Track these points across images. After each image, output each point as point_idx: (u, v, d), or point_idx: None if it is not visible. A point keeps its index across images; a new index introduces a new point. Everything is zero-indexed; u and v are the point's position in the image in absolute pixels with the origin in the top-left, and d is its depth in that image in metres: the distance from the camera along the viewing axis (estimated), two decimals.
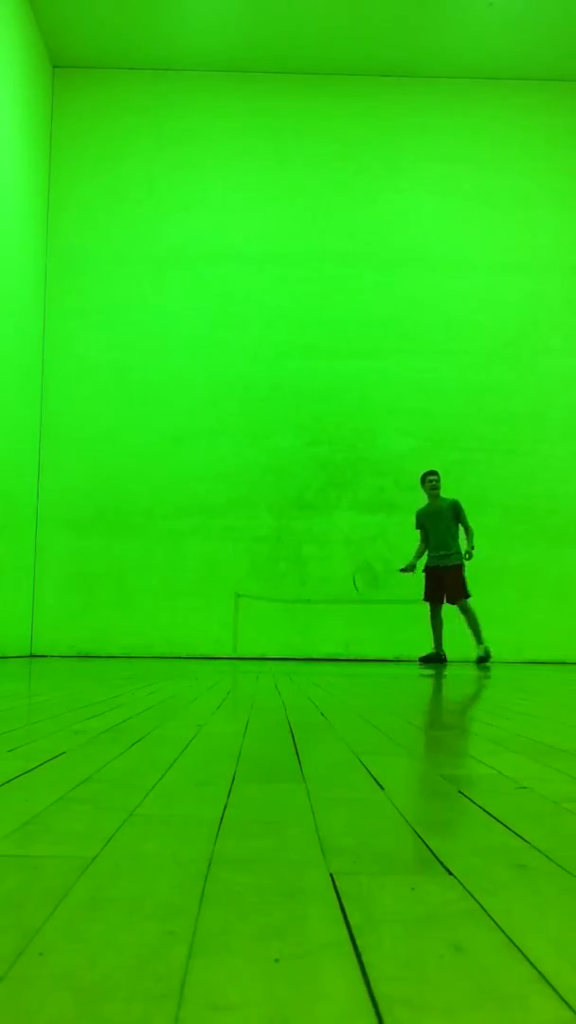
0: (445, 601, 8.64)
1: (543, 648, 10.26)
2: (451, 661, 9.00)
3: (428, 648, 8.95)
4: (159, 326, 10.65)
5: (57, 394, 10.51)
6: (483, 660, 8.45)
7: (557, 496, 10.57)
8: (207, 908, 0.82)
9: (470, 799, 1.38)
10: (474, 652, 8.52)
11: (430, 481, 8.82)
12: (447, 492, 10.52)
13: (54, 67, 10.90)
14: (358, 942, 0.73)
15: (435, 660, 8.72)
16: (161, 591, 10.29)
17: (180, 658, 9.78)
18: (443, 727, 2.56)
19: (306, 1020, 0.58)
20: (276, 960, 0.69)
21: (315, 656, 10.11)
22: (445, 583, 8.58)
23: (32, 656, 9.88)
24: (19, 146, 9.65)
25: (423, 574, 8.79)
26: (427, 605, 8.75)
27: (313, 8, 9.96)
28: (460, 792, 1.45)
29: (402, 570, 8.82)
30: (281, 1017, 0.59)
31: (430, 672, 6.97)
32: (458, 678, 6.15)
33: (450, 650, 8.89)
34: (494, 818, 1.24)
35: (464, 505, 8.94)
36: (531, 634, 10.30)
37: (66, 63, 10.87)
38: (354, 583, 9.58)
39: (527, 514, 10.53)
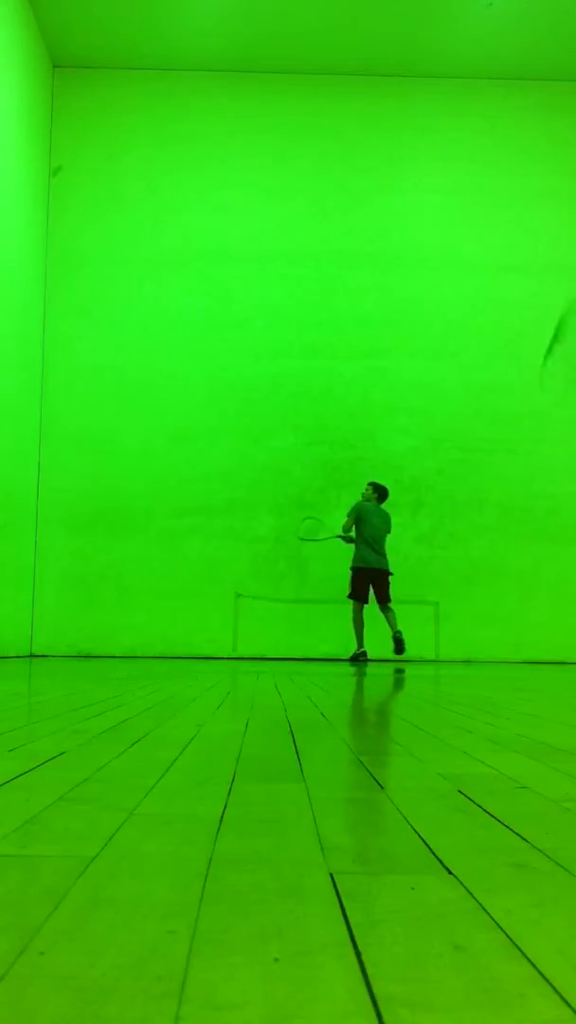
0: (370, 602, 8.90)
1: (543, 648, 10.26)
2: (372, 660, 9.06)
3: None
4: (159, 326, 10.65)
5: (57, 394, 10.51)
6: (359, 658, 8.84)
7: (557, 496, 10.56)
8: (207, 908, 0.82)
9: (470, 799, 1.38)
10: (352, 651, 8.98)
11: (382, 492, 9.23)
12: (446, 491, 10.56)
13: (54, 67, 10.89)
14: (358, 942, 0.73)
15: (364, 659, 8.87)
16: (161, 591, 10.29)
17: (180, 658, 9.78)
18: (443, 727, 2.56)
19: (306, 1019, 0.58)
20: (276, 959, 0.69)
21: (315, 656, 10.11)
22: (384, 585, 8.85)
23: (32, 656, 9.88)
24: (19, 146, 9.65)
25: (353, 571, 8.93)
26: (354, 602, 8.92)
27: (313, 8, 9.96)
28: (460, 792, 1.45)
29: (344, 538, 9.12)
30: (281, 1016, 0.59)
31: (358, 671, 7.00)
32: (456, 678, 6.14)
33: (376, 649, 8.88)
34: (494, 818, 1.24)
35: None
36: (531, 634, 10.30)
37: (66, 63, 10.87)
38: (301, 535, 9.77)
39: (527, 514, 10.53)
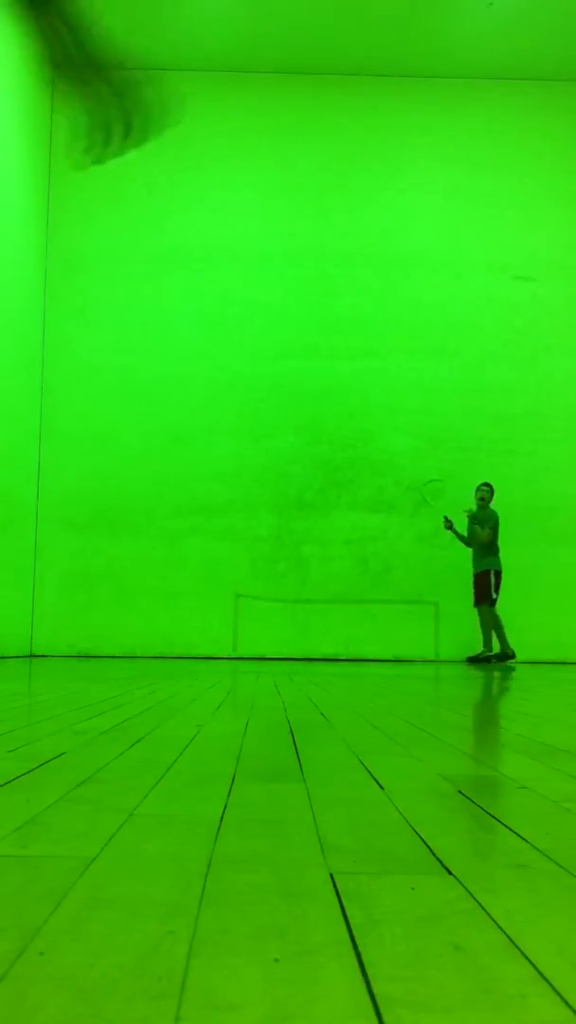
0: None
1: (543, 648, 10.26)
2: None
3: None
4: (159, 326, 10.65)
5: (57, 394, 10.51)
6: (506, 658, 9.21)
7: (557, 496, 10.56)
8: (207, 908, 0.82)
9: (470, 799, 1.38)
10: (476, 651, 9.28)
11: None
12: (446, 491, 10.55)
13: (54, 67, 10.87)
14: (358, 942, 0.73)
15: (509, 657, 9.19)
16: (161, 591, 10.28)
17: (180, 658, 9.78)
18: (442, 727, 2.56)
19: (306, 1020, 0.58)
20: (276, 960, 0.69)
21: (315, 656, 10.11)
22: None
23: (32, 656, 9.88)
24: (19, 146, 9.65)
25: (486, 575, 9.16)
26: (480, 607, 9.21)
27: (313, 8, 9.96)
28: (460, 792, 1.45)
29: (447, 523, 9.36)
30: (281, 1016, 0.59)
31: (503, 672, 7.28)
32: (456, 678, 6.15)
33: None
34: (494, 818, 1.24)
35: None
36: (531, 634, 10.29)
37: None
38: (423, 496, 9.94)
39: (527, 514, 10.52)
